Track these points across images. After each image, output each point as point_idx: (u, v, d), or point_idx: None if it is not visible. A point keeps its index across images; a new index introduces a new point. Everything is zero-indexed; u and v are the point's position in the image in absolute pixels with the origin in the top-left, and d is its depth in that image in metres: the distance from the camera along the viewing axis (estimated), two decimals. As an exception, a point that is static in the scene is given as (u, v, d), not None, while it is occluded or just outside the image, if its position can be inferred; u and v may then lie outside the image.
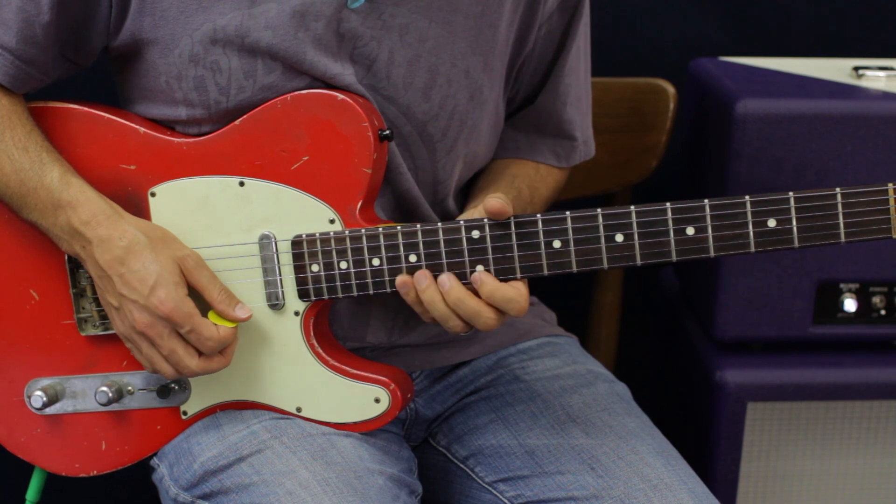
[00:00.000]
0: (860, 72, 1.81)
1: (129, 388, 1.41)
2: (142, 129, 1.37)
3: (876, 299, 1.77)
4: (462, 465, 1.49)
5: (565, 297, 1.84)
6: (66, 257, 1.38)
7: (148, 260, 1.31)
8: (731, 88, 1.73)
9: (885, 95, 1.73)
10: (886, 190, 1.24)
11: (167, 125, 1.40)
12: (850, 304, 1.76)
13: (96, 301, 1.39)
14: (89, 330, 1.41)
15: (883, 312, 1.77)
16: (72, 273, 1.40)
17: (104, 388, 1.39)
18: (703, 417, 1.82)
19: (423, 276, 1.30)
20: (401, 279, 1.31)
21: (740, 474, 1.80)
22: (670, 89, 1.81)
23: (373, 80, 1.37)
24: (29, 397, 1.42)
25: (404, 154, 1.42)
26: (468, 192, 1.54)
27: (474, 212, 1.34)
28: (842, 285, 1.76)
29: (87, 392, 1.42)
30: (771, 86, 1.78)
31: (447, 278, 1.29)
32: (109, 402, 1.39)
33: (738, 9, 2.11)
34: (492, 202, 1.28)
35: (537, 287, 1.68)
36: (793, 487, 1.82)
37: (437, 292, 1.30)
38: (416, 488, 1.42)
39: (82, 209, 1.32)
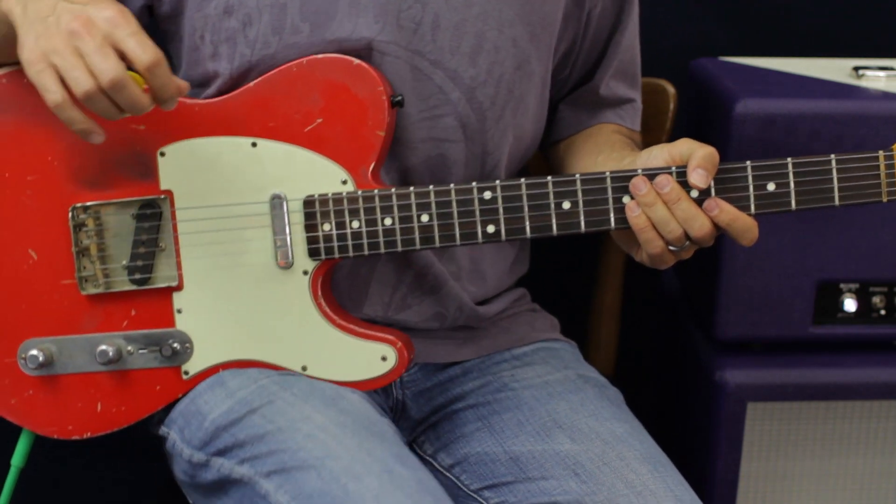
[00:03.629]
0: (860, 72, 1.81)
1: (129, 348, 1.41)
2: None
3: (876, 299, 1.77)
4: (447, 474, 1.49)
5: (565, 296, 1.84)
6: (70, 215, 1.39)
7: None
8: (731, 88, 1.73)
9: (885, 95, 1.73)
10: (877, 157, 1.33)
11: (199, 87, 1.42)
12: (850, 304, 1.76)
13: (100, 259, 1.39)
14: (90, 289, 1.41)
15: (883, 312, 1.77)
16: (74, 231, 1.40)
17: (104, 347, 1.39)
18: (703, 417, 1.82)
19: (643, 182, 1.31)
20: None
21: (740, 474, 1.80)
22: (670, 89, 1.81)
23: (419, 44, 1.39)
24: (24, 358, 1.42)
25: (454, 123, 1.43)
26: (555, 169, 1.58)
27: (650, 157, 1.34)
28: (842, 285, 1.76)
29: (84, 352, 1.42)
30: (771, 86, 1.78)
31: (665, 179, 1.30)
32: (110, 362, 1.40)
33: (738, 9, 2.11)
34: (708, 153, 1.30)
35: (538, 288, 1.68)
36: (793, 487, 1.82)
37: (657, 195, 1.31)
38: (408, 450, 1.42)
39: None
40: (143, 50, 1.21)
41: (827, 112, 1.68)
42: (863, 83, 1.79)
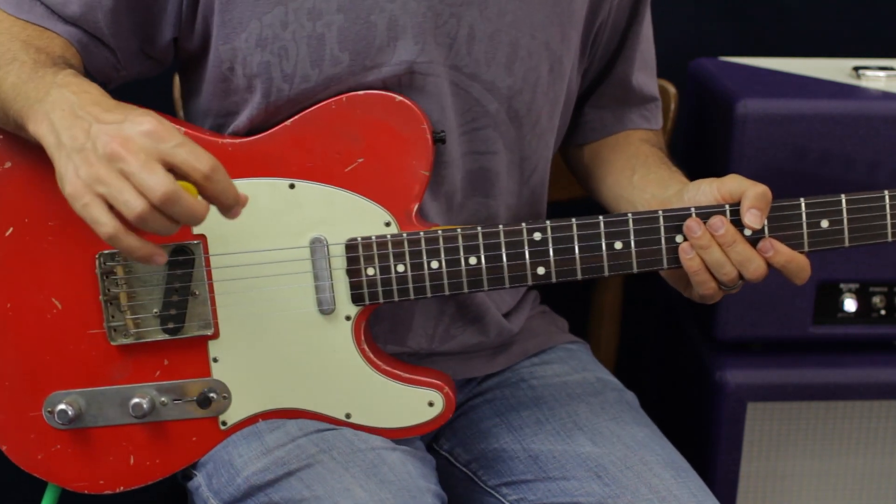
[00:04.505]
0: (860, 72, 1.81)
1: (163, 399, 1.36)
2: (182, 130, 1.32)
3: (876, 299, 1.77)
4: (465, 469, 1.48)
5: (566, 297, 1.84)
6: (97, 263, 1.33)
7: (135, 109, 1.18)
8: (731, 88, 1.72)
9: (885, 95, 1.73)
10: None
11: (226, 116, 1.38)
12: (850, 304, 1.76)
13: (130, 309, 1.34)
14: (120, 339, 1.35)
15: (883, 312, 1.77)
16: (102, 280, 1.34)
17: (138, 400, 1.34)
18: (703, 417, 1.82)
19: (697, 224, 1.29)
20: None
21: (740, 474, 1.80)
22: (671, 89, 1.81)
23: (454, 58, 1.35)
24: (51, 412, 1.36)
25: (493, 134, 1.40)
26: (593, 189, 1.56)
27: (702, 190, 1.33)
28: (842, 285, 1.76)
29: (115, 404, 1.36)
30: (771, 86, 1.78)
31: (719, 221, 1.28)
32: (145, 416, 1.34)
33: (738, 9, 2.11)
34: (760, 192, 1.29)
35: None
36: (793, 487, 1.82)
37: (711, 238, 1.29)
38: (445, 499, 1.39)
39: (86, 86, 1.21)
40: (197, 159, 1.12)
41: (827, 112, 1.68)
42: (863, 83, 1.79)
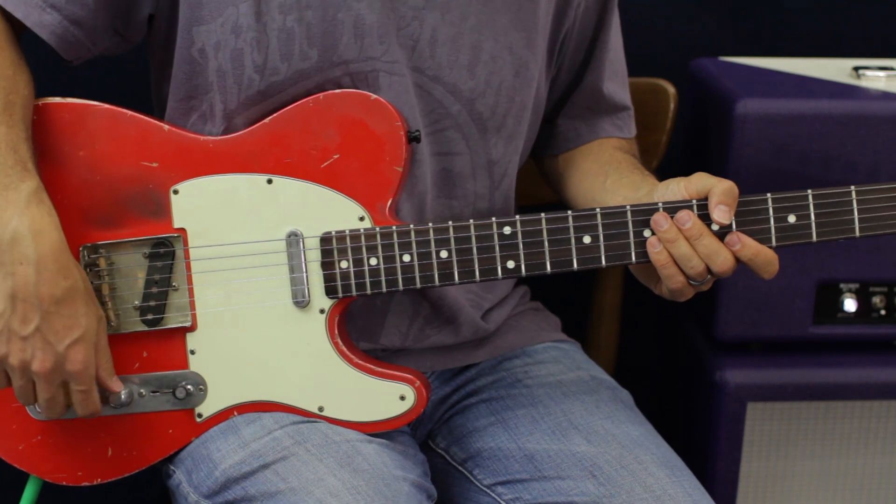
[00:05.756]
0: (860, 72, 1.81)
1: (141, 391, 1.38)
2: (166, 127, 1.36)
3: (876, 299, 1.77)
4: (460, 468, 1.48)
5: (565, 296, 1.84)
6: (80, 255, 1.35)
7: (81, 311, 1.29)
8: (731, 88, 1.73)
9: (885, 95, 1.73)
10: None
11: (197, 101, 1.39)
12: (850, 304, 1.76)
13: (111, 300, 1.37)
14: None
15: (883, 312, 1.77)
16: (84, 271, 1.35)
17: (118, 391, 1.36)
18: (703, 417, 1.82)
19: (664, 218, 1.30)
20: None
21: (740, 474, 1.80)
22: (670, 89, 1.81)
23: (417, 60, 1.38)
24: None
25: (456, 135, 1.42)
26: (567, 196, 1.57)
27: (672, 189, 1.34)
28: (842, 285, 1.76)
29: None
30: (771, 86, 1.78)
31: (686, 215, 1.30)
32: (121, 406, 1.37)
33: (738, 9, 2.11)
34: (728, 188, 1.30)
35: (539, 287, 1.68)
36: (793, 487, 1.83)
37: (678, 231, 1.30)
38: (433, 493, 1.40)
39: (45, 236, 1.28)
40: (84, 408, 1.33)
41: (827, 112, 1.68)
42: (863, 83, 1.79)
